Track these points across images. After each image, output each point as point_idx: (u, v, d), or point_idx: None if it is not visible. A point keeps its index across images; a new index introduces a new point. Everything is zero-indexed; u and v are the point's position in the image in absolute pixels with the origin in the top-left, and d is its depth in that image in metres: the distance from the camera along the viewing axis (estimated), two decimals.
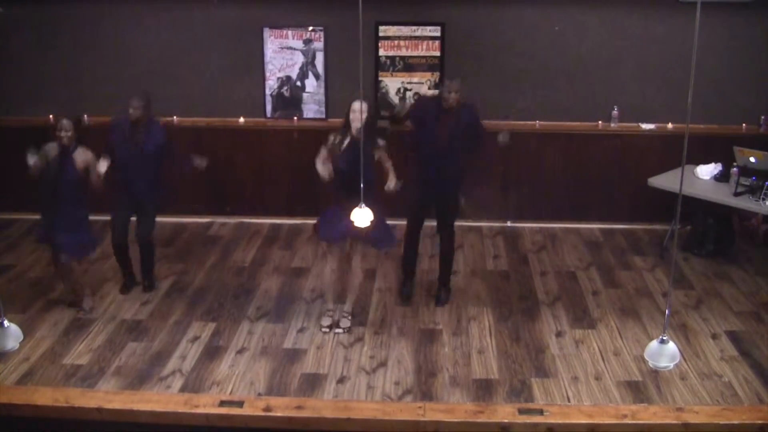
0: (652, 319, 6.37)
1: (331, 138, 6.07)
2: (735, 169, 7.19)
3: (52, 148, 6.15)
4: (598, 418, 5.11)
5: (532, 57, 7.91)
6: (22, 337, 4.26)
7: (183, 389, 5.47)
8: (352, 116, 5.92)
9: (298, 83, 8.11)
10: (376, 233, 5.90)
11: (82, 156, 6.18)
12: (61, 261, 6.36)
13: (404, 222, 6.67)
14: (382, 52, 7.99)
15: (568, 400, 5.34)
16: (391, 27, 7.92)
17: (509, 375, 5.63)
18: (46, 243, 6.50)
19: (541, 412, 5.16)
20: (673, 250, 4.30)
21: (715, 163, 7.52)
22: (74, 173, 6.14)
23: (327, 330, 6.20)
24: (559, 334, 6.18)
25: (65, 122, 6.12)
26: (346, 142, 5.98)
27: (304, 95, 8.15)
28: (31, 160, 6.11)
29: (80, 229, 6.35)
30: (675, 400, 5.33)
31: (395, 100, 8.07)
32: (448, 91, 6.23)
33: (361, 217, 5.21)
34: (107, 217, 8.21)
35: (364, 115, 5.84)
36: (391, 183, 6.11)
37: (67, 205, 6.20)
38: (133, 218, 6.77)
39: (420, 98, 6.57)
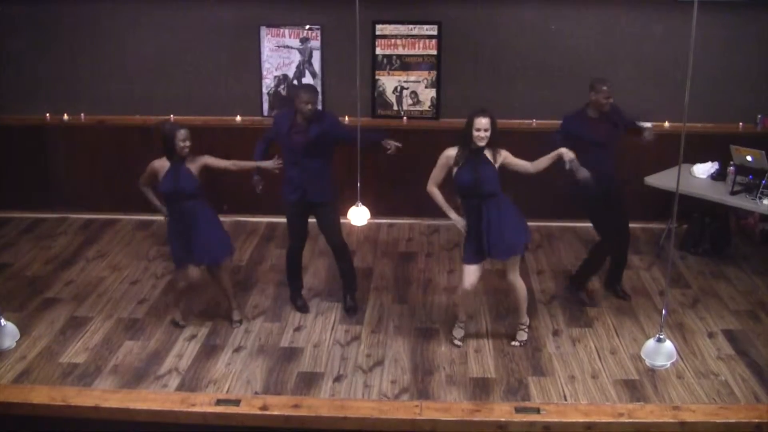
0: (648, 317, 6.38)
1: (452, 155, 5.70)
2: (732, 167, 7.19)
3: None
4: (594, 417, 5.11)
5: (528, 56, 7.91)
6: (18, 336, 4.27)
7: (180, 388, 5.46)
8: (476, 134, 5.52)
9: (295, 82, 8.10)
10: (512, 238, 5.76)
11: (195, 163, 5.90)
12: (214, 272, 6.18)
13: None
14: (379, 51, 7.99)
15: (565, 399, 5.35)
16: (387, 26, 7.92)
17: (506, 374, 5.64)
18: (184, 266, 6.07)
19: (537, 410, 5.17)
20: (670, 248, 4.30)
21: (712, 161, 7.52)
22: (193, 183, 5.90)
23: (460, 344, 5.98)
24: (555, 333, 6.18)
25: (185, 132, 5.79)
26: (465, 156, 5.64)
27: None
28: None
29: (215, 230, 6.07)
30: (672, 398, 5.33)
31: (392, 98, 8.08)
32: (605, 97, 6.08)
33: (358, 216, 5.23)
34: (104, 217, 8.22)
35: (488, 133, 5.53)
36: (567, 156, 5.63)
37: (196, 216, 5.96)
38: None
39: (565, 119, 6.31)
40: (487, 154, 5.66)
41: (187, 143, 5.81)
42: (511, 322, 6.24)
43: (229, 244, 6.27)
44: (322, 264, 7.32)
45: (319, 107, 8.01)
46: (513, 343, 6.01)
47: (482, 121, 5.51)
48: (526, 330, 6.05)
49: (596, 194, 6.11)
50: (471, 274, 5.75)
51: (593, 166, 5.86)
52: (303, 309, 6.54)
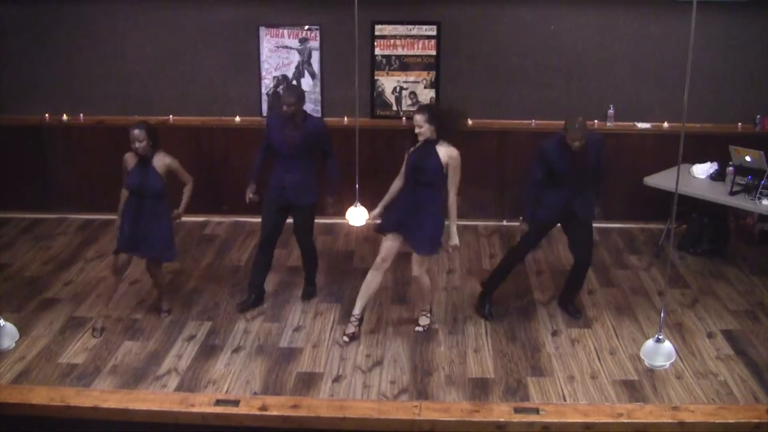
0: (647, 318, 6.38)
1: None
2: (731, 168, 7.18)
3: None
4: (593, 417, 5.11)
5: (527, 56, 7.92)
6: (17, 336, 4.27)
7: (179, 388, 5.46)
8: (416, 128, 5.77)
9: (294, 82, 8.10)
10: (423, 238, 5.85)
11: (161, 161, 5.91)
12: (153, 268, 6.29)
13: None
14: (378, 51, 7.99)
15: (564, 399, 5.35)
16: (387, 26, 7.93)
17: (505, 374, 5.64)
18: (126, 252, 6.08)
19: (537, 411, 5.17)
20: (669, 249, 4.30)
21: (711, 162, 7.53)
22: (156, 181, 5.91)
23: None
24: (554, 333, 6.18)
25: (136, 132, 5.76)
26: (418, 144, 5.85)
27: None
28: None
29: (166, 231, 6.11)
30: (671, 398, 5.33)
31: (391, 99, 8.08)
32: (571, 140, 5.83)
33: (357, 216, 5.24)
34: (103, 217, 8.21)
35: (422, 129, 5.69)
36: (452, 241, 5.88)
37: (150, 214, 5.98)
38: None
39: (543, 149, 6.13)
40: (440, 149, 5.78)
41: (137, 144, 5.80)
42: (507, 321, 6.26)
43: (175, 249, 6.31)
44: (320, 264, 7.30)
45: (319, 108, 8.08)
46: (416, 328, 6.19)
47: (416, 118, 5.73)
48: (428, 315, 6.26)
49: (543, 220, 6.22)
50: (386, 248, 6.00)
51: (554, 193, 6.02)
52: (239, 307, 6.53)
